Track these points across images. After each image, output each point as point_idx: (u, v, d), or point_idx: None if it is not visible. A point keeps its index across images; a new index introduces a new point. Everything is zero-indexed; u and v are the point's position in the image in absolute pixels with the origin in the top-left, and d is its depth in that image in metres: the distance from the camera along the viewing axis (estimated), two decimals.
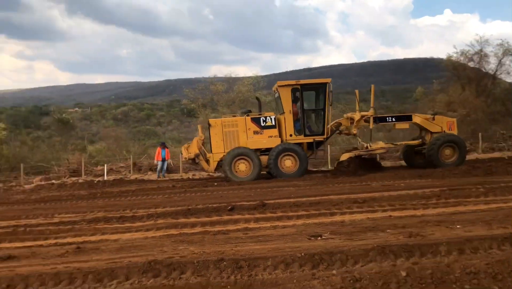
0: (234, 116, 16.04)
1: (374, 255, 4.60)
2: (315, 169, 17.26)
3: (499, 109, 27.77)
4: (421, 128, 15.81)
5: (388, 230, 5.84)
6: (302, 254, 4.66)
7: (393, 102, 52.70)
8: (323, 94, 15.08)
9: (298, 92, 15.06)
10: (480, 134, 21.25)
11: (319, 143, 15.56)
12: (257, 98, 17.85)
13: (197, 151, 15.09)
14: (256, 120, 15.04)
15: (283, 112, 15.10)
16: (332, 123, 15.50)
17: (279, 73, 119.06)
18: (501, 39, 29.28)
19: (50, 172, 21.43)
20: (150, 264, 4.55)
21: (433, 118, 15.36)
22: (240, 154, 14.56)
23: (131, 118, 66.51)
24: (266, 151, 14.84)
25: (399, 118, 15.73)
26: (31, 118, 61.00)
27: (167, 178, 17.91)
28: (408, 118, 15.60)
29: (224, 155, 14.68)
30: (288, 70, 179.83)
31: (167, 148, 19.82)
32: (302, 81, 15.40)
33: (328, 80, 15.21)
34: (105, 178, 18.91)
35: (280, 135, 15.01)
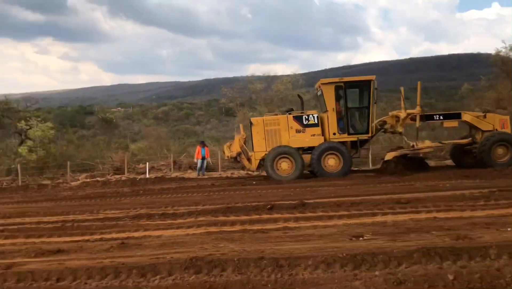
0: (276, 114, 15.99)
1: (418, 257, 4.46)
2: (355, 168, 16.97)
3: None
4: (471, 127, 15.15)
5: (433, 232, 5.65)
6: (344, 254, 4.59)
7: (437, 100, 51.03)
8: (367, 92, 14.76)
9: (342, 90, 14.78)
10: None
11: (363, 142, 15.28)
12: (299, 96, 17.66)
13: (239, 150, 15.16)
14: (298, 119, 14.93)
15: (326, 111, 14.87)
16: (376, 121, 15.13)
17: (318, 71, 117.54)
18: None
19: (95, 169, 22.21)
20: (192, 261, 4.61)
21: (485, 116, 14.69)
22: (283, 152, 14.50)
23: (171, 117, 67.91)
24: (309, 149, 14.72)
25: (448, 116, 15.16)
26: (77, 118, 63.37)
27: (206, 176, 18.15)
28: (457, 116, 14.99)
29: (266, 154, 14.68)
30: (327, 68, 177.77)
31: (207, 146, 20.07)
32: (346, 79, 15.09)
33: (373, 77, 14.87)
34: (147, 175, 19.39)
35: (323, 133, 14.83)
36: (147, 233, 6.85)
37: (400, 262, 4.40)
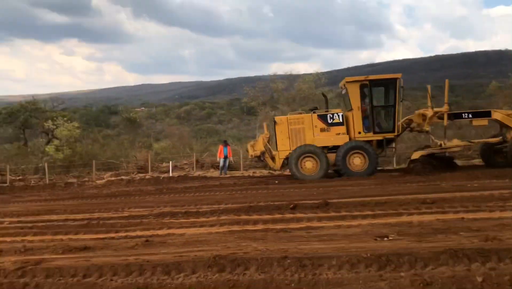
0: (300, 113, 15.90)
1: (445, 258, 4.36)
2: (379, 168, 16.72)
3: None
4: (502, 125, 14.66)
5: (461, 233, 5.50)
6: (368, 254, 4.52)
7: (463, 98, 49.81)
8: (393, 90, 14.52)
9: (367, 88, 14.57)
10: None
11: (389, 141, 15.06)
12: (324, 95, 17.51)
13: (263, 149, 15.13)
14: (323, 118, 14.80)
15: (351, 109, 14.68)
16: (403, 120, 14.86)
17: (341, 70, 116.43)
18: None
19: (119, 168, 22.61)
20: (215, 259, 4.63)
21: None
22: (307, 151, 14.41)
23: (193, 116, 68.51)
24: (333, 148, 14.57)
25: (476, 115, 14.68)
26: (102, 118, 64.59)
27: (228, 175, 18.22)
28: (487, 114, 14.50)
29: (290, 153, 14.60)
30: (350, 66, 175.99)
31: (229, 145, 20.15)
32: (371, 77, 14.87)
33: (399, 75, 14.61)
34: (170, 174, 19.61)
35: (348, 132, 14.67)
36: (170, 231, 6.92)
37: (427, 263, 4.30)
